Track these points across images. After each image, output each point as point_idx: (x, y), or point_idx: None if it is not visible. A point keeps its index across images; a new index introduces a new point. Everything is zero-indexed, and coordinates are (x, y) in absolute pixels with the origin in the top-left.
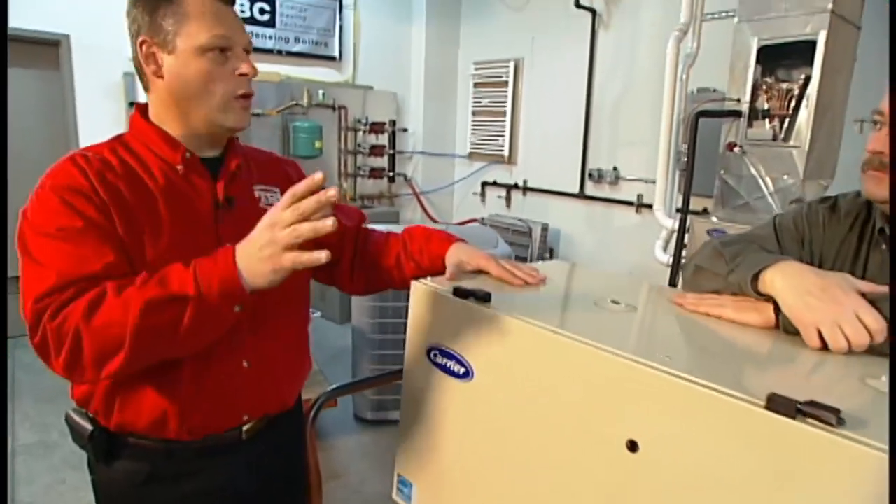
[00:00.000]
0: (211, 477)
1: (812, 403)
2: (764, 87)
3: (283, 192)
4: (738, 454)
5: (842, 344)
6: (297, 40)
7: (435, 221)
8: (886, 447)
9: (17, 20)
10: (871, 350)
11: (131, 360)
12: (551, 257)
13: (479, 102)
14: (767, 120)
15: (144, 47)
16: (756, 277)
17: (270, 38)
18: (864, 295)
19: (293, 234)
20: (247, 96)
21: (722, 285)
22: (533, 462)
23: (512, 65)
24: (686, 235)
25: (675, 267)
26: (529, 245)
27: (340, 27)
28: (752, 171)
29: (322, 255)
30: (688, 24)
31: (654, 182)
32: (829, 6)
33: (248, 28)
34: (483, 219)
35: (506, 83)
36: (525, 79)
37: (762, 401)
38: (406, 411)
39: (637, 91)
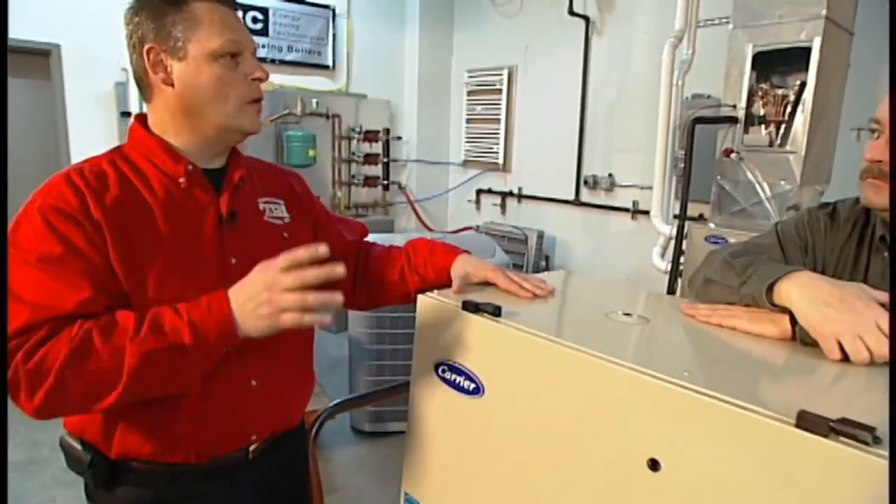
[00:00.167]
0: (216, 499)
1: (845, 421)
2: (759, 94)
3: (287, 205)
4: (766, 473)
5: (864, 355)
6: (290, 49)
7: (430, 230)
8: None
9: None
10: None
11: (122, 401)
12: (547, 265)
13: (473, 110)
14: (763, 126)
15: (152, 55)
16: (770, 289)
17: (264, 46)
18: (882, 304)
19: (298, 302)
20: (258, 100)
21: (734, 297)
22: (548, 482)
23: (505, 72)
24: (684, 242)
25: (674, 273)
26: (525, 253)
27: (334, 35)
28: (749, 176)
29: (326, 319)
30: (683, 30)
31: (649, 188)
32: (824, 12)
33: None
34: (478, 227)
35: (500, 91)
36: (519, 86)
37: (791, 418)
38: (413, 427)
39: (631, 98)
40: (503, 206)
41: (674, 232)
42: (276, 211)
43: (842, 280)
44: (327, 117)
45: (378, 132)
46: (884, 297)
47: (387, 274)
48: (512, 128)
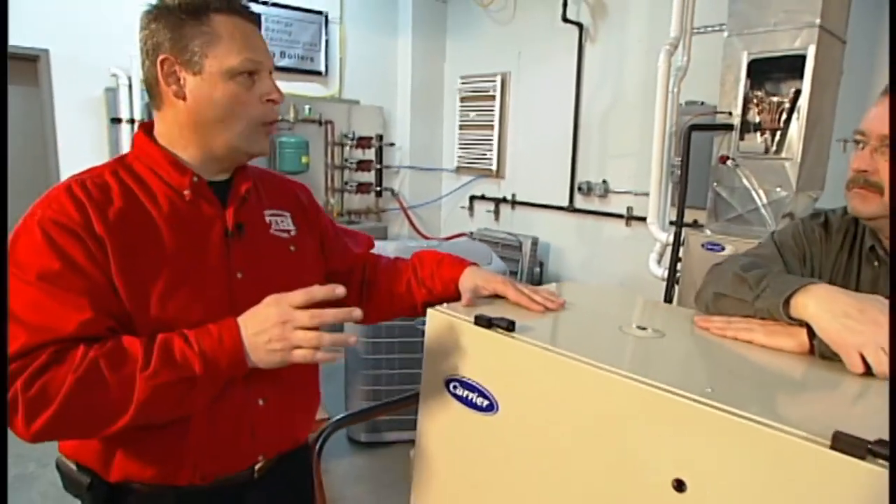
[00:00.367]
0: None
1: (882, 443)
2: (755, 101)
3: (293, 217)
4: (798, 495)
5: (887, 367)
6: (282, 55)
7: (423, 237)
8: None
9: None
10: None
11: (126, 429)
12: (542, 271)
13: (467, 116)
14: (759, 133)
15: (166, 65)
16: (787, 302)
17: None
18: None
19: (313, 341)
20: (273, 122)
21: (748, 311)
22: (567, 502)
23: (499, 79)
24: (680, 249)
25: (671, 280)
26: (520, 259)
27: (326, 41)
28: (745, 183)
29: (339, 356)
30: (678, 38)
31: (643, 195)
32: (817, 21)
33: None
34: (472, 233)
35: (493, 97)
36: (512, 92)
37: (825, 439)
38: (422, 445)
39: (625, 104)
40: (496, 212)
41: (670, 238)
42: (282, 223)
43: None
44: (320, 123)
45: (371, 138)
46: None
47: (393, 286)
48: (505, 134)
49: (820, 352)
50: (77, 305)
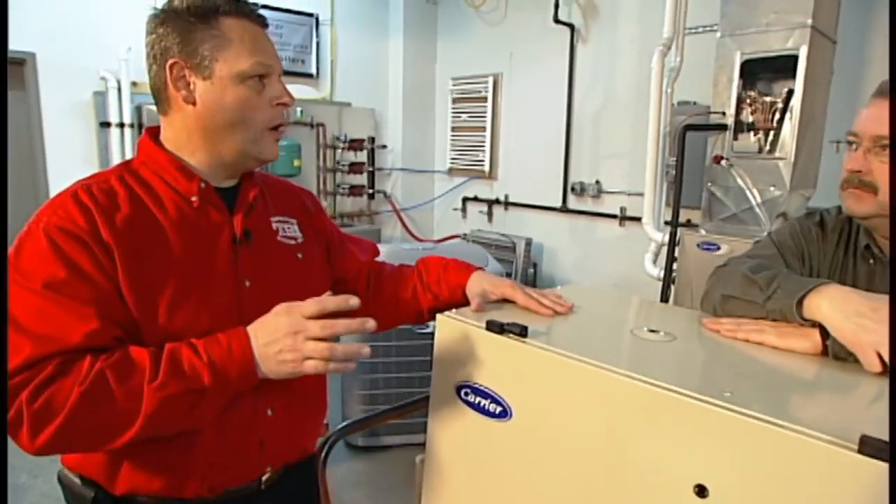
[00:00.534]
0: None
1: None
2: (748, 101)
3: (299, 224)
4: (822, 498)
5: None
6: None
7: (416, 239)
8: None
9: None
10: None
11: (133, 442)
12: (535, 272)
13: (459, 118)
14: (752, 133)
15: (175, 70)
16: (799, 303)
17: None
18: None
19: (325, 352)
20: (282, 127)
21: (758, 313)
22: None
23: (490, 80)
24: (676, 248)
25: (667, 280)
26: (514, 261)
27: (317, 44)
28: (739, 182)
29: (351, 367)
30: (671, 38)
31: (637, 195)
32: (809, 21)
33: None
34: (465, 235)
35: (485, 98)
36: (504, 94)
37: (851, 443)
38: (433, 452)
39: (617, 104)
40: (489, 213)
41: (665, 238)
42: (288, 230)
43: None
44: (312, 126)
45: (363, 141)
46: None
47: (399, 293)
48: (497, 135)
49: (833, 352)
50: (83, 315)
